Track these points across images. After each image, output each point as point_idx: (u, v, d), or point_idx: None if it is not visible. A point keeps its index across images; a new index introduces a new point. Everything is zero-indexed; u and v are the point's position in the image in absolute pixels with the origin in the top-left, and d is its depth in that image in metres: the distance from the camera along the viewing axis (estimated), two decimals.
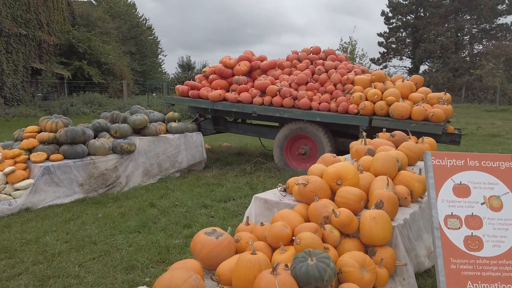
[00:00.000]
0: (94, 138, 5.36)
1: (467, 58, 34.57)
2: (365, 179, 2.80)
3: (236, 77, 6.83)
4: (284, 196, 3.02)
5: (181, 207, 4.57)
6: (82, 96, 19.88)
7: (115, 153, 5.37)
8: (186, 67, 52.02)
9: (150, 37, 43.49)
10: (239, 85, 6.79)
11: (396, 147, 3.55)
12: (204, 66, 52.03)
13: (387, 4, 38.99)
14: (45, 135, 4.92)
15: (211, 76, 6.99)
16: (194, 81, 7.33)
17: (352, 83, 6.07)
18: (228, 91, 6.94)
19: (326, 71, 6.45)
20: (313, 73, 6.51)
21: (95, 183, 5.03)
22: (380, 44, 38.88)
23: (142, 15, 43.80)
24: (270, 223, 2.56)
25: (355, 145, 3.60)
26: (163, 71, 48.95)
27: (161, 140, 6.02)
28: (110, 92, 24.48)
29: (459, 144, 5.46)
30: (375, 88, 5.73)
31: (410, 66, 38.53)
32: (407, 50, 38.54)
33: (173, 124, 6.36)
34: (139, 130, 5.95)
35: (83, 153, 4.96)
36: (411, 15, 37.68)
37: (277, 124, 7.10)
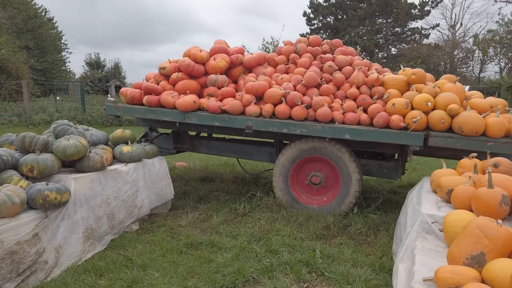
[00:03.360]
0: None
1: (384, 60, 36.09)
2: None
3: (213, 76, 4.79)
4: None
5: None
6: None
7: (32, 210, 3.03)
8: (95, 65, 46.93)
9: (53, 31, 37.91)
10: (219, 88, 4.77)
11: None
12: (117, 64, 48.11)
13: (308, 5, 39.20)
14: None
15: (174, 75, 4.85)
16: (147, 82, 5.10)
17: (382, 85, 4.48)
18: (200, 96, 4.89)
19: (340, 69, 4.76)
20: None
21: None
22: None
23: (42, 5, 38.08)
24: None
25: None
26: (68, 69, 43.38)
27: (111, 176, 3.76)
28: (4, 94, 20.03)
29: None
30: (417, 91, 4.20)
31: None
32: None
33: (125, 149, 4.11)
34: (71, 163, 3.63)
35: None
36: (331, 17, 38.25)
37: (269, 140, 5.21)
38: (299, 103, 4.23)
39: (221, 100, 4.59)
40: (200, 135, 5.74)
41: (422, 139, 3.85)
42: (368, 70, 4.72)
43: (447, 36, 35.93)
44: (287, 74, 4.89)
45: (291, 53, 5.04)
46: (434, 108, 3.98)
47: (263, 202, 4.60)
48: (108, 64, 48.16)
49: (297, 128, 4.22)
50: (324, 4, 38.36)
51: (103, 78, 42.52)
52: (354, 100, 4.45)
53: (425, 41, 35.15)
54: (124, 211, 3.84)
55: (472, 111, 3.84)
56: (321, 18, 38.68)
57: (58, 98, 19.67)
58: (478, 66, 31.10)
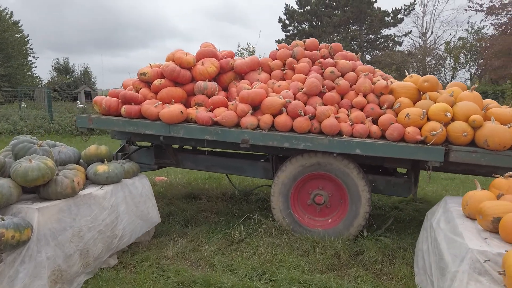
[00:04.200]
0: None
1: None
2: None
3: (201, 83, 4.24)
4: None
5: None
6: None
7: None
8: (64, 71, 45.12)
9: (18, 35, 36.08)
10: (209, 96, 4.22)
11: None
12: (87, 69, 46.42)
13: (284, 11, 39.19)
14: None
15: (157, 82, 4.25)
16: (126, 89, 4.48)
17: (391, 93, 4.05)
18: (187, 105, 4.32)
19: (342, 75, 4.32)
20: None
21: None
22: None
23: (6, 8, 36.21)
24: None
25: None
26: (34, 75, 41.44)
27: (84, 202, 3.12)
28: None
29: None
30: (430, 100, 3.80)
31: None
32: None
33: (101, 169, 3.48)
34: (35, 188, 2.98)
35: None
36: (307, 23, 38.33)
37: (263, 153, 4.69)
38: (302, 114, 3.74)
39: (211, 110, 4.03)
40: (184, 147, 5.14)
41: (442, 154, 3.42)
42: (373, 77, 4.29)
43: (419, 44, 36.69)
44: (284, 80, 4.40)
45: (288, 57, 4.56)
46: (452, 119, 3.58)
47: (260, 226, 4.05)
48: (77, 69, 46.47)
49: (301, 142, 3.71)
50: (299, 11, 38.47)
51: (72, 84, 40.82)
52: (361, 109, 4.00)
53: (398, 48, 35.76)
54: (101, 243, 3.20)
55: (495, 122, 3.46)
56: (296, 24, 38.75)
57: (23, 104, 18.38)
58: (450, 72, 31.85)
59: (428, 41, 36.56)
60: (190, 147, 5.11)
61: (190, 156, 4.81)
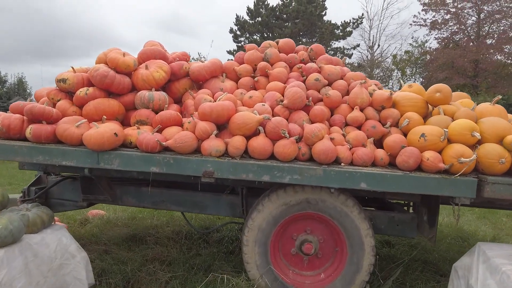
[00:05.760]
0: None
1: None
2: None
3: (145, 93, 3.11)
4: None
5: None
6: None
7: None
8: None
9: None
10: (155, 111, 3.09)
11: None
12: (21, 80, 42.85)
13: (235, 22, 38.56)
14: None
15: (82, 92, 3.06)
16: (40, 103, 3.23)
17: (393, 106, 3.18)
18: (125, 124, 3.17)
19: (329, 84, 3.40)
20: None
21: None
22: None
23: None
24: None
25: None
26: None
27: None
28: None
29: None
30: (447, 115, 2.97)
31: None
32: None
33: None
34: None
35: None
36: (258, 35, 37.95)
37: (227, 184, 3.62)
38: (287, 135, 2.74)
39: (160, 131, 2.91)
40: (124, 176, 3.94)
41: (475, 188, 2.57)
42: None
43: (367, 56, 37.60)
44: (256, 90, 3.39)
45: (259, 61, 3.57)
46: (479, 141, 2.76)
47: (230, 287, 2.96)
48: (11, 80, 42.37)
49: (286, 173, 2.70)
50: (251, 22, 38.01)
51: (4, 95, 37.05)
52: (358, 127, 3.08)
53: (348, 60, 36.37)
54: None
55: None
56: (247, 35, 38.21)
57: None
58: (398, 84, 32.77)
59: (375, 54, 37.59)
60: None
61: (131, 189, 3.61)
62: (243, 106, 3.17)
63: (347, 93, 3.36)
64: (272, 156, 2.81)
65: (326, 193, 2.88)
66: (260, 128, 2.79)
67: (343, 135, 2.97)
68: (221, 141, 2.77)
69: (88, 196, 3.61)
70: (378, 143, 3.07)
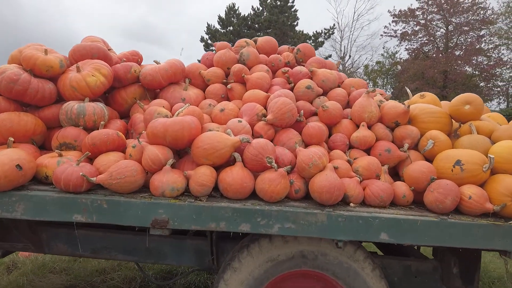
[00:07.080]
0: None
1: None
2: None
3: (73, 104, 2.21)
4: None
5: None
6: None
7: None
8: None
9: None
10: (88, 129, 2.20)
11: None
12: None
13: (206, 31, 37.81)
14: None
15: None
16: None
17: (410, 122, 2.44)
18: (46, 147, 2.25)
19: (324, 93, 2.63)
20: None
21: None
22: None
23: None
24: None
25: None
26: None
27: None
28: None
29: None
30: (482, 134, 2.25)
31: None
32: None
33: None
34: None
35: None
36: (231, 44, 37.37)
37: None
38: (274, 165, 1.92)
39: (91, 159, 2.02)
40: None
41: None
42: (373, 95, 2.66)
43: (338, 67, 37.76)
44: (230, 101, 2.57)
45: (233, 63, 2.76)
46: None
47: None
48: None
49: (274, 221, 1.87)
50: (222, 31, 37.37)
51: None
52: (367, 151, 2.31)
53: None
54: None
55: None
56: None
57: None
58: None
59: (346, 65, 37.76)
60: None
61: (61, 232, 2.67)
62: (212, 122, 2.34)
63: (347, 104, 2.60)
64: (253, 194, 1.98)
65: (328, 243, 2.07)
66: (236, 154, 1.96)
67: (349, 161, 2.18)
68: (179, 175, 1.91)
69: (3, 244, 2.65)
70: (391, 172, 2.31)
